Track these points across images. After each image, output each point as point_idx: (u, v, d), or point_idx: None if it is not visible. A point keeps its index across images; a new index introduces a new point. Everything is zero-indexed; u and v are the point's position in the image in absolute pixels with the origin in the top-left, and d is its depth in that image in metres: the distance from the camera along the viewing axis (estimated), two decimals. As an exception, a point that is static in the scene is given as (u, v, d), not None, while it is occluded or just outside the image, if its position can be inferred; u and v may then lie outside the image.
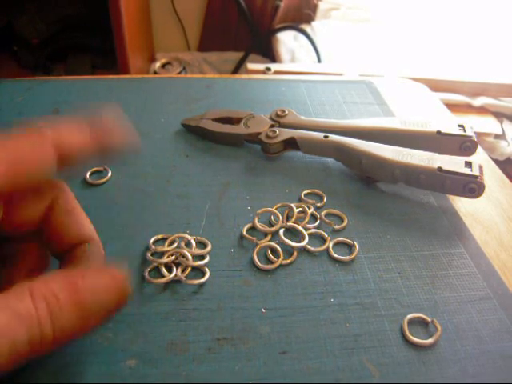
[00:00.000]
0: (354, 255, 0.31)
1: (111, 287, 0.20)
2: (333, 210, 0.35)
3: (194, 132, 0.42)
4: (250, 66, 1.09)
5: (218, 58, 1.57)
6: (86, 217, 0.24)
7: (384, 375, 0.25)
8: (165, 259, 0.29)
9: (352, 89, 0.52)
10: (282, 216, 0.33)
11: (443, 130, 0.37)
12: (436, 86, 0.92)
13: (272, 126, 0.40)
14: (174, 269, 0.29)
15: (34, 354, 0.18)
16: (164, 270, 0.29)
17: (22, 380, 0.23)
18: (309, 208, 0.34)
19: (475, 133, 0.38)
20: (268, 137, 0.38)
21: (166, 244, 0.31)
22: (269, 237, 0.32)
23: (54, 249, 0.24)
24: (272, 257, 0.31)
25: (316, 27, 1.39)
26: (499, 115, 1.09)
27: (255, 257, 0.30)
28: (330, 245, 0.32)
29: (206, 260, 0.30)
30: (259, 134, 0.39)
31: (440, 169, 0.33)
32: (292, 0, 1.44)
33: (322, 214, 0.34)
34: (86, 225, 0.24)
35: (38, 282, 0.19)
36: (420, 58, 1.23)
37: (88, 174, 0.36)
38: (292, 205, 0.34)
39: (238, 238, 0.32)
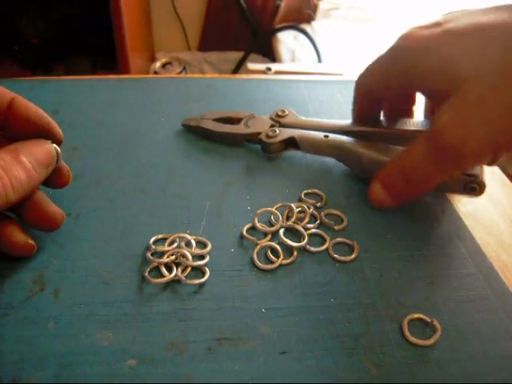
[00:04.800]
0: (353, 255, 0.31)
1: (42, 150, 0.28)
2: (333, 210, 0.35)
3: (195, 132, 0.42)
4: (250, 65, 1.09)
5: (218, 57, 1.57)
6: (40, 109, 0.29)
7: (384, 375, 0.25)
8: (165, 259, 0.29)
9: (352, 89, 0.52)
10: (282, 216, 0.33)
11: None
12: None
13: (272, 126, 0.40)
14: (174, 269, 0.29)
15: (2, 201, 0.24)
16: (164, 270, 0.29)
17: (22, 380, 0.23)
18: (309, 208, 0.34)
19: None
20: (268, 136, 0.38)
21: (166, 244, 0.31)
22: (269, 237, 0.32)
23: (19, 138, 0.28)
24: (272, 257, 0.31)
25: (316, 27, 1.39)
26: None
27: (255, 257, 0.30)
28: (330, 245, 0.32)
29: (206, 260, 0.30)
30: (259, 133, 0.39)
31: None
32: (292, 0, 1.44)
33: (322, 214, 0.34)
34: (43, 114, 0.29)
35: None
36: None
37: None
38: (292, 205, 0.34)
39: (238, 238, 0.32)
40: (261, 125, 0.40)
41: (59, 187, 0.31)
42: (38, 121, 0.29)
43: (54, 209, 0.30)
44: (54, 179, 0.30)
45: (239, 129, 0.41)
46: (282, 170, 0.39)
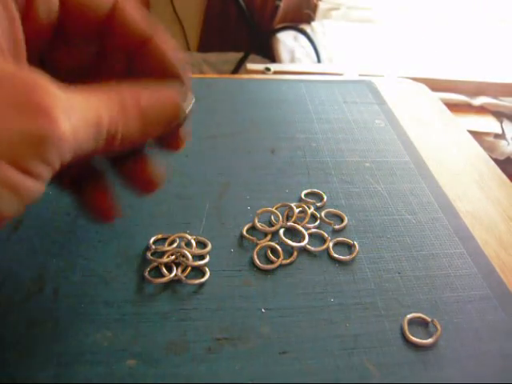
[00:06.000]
0: (353, 255, 0.31)
1: (170, 106, 0.23)
2: (333, 210, 0.35)
3: None
4: (250, 66, 1.09)
5: (217, 58, 1.57)
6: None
7: (384, 375, 0.25)
8: (165, 259, 0.29)
9: (352, 89, 0.52)
10: (282, 216, 0.33)
11: None
12: (436, 85, 0.92)
13: None
14: (174, 268, 0.29)
15: (108, 146, 0.19)
16: (164, 270, 0.29)
17: (22, 380, 0.23)
18: (309, 208, 0.34)
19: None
20: None
21: (166, 244, 0.31)
22: (269, 237, 0.32)
23: (122, 45, 0.23)
24: (272, 257, 0.31)
25: (316, 27, 1.39)
26: (499, 115, 1.09)
27: (255, 257, 0.30)
28: (330, 245, 0.32)
29: (206, 260, 0.30)
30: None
31: None
32: (292, 0, 1.44)
33: (322, 213, 0.34)
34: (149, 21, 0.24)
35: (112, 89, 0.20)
36: (420, 57, 1.23)
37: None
38: (292, 205, 0.34)
39: (238, 237, 0.32)
40: None
41: (171, 151, 0.26)
42: (171, 67, 0.24)
43: (156, 171, 0.25)
44: (166, 139, 0.25)
45: None
46: (282, 169, 0.39)
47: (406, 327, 0.27)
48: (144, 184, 0.25)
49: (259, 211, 0.33)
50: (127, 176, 0.25)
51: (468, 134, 0.49)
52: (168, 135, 0.24)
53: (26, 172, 0.16)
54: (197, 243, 0.31)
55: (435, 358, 0.26)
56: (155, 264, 0.29)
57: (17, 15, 0.18)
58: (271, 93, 0.50)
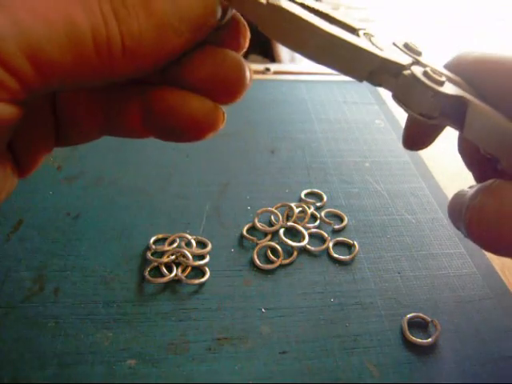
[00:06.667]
0: (353, 255, 0.31)
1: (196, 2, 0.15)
2: (333, 210, 0.35)
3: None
4: (250, 66, 1.09)
5: (217, 57, 1.57)
6: None
7: (384, 375, 0.25)
8: (165, 259, 0.29)
9: (352, 89, 0.52)
10: (282, 216, 0.33)
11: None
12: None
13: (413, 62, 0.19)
14: (174, 268, 0.29)
15: (103, 62, 0.14)
16: (164, 270, 0.29)
17: (22, 380, 0.23)
18: (309, 208, 0.34)
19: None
20: (429, 78, 0.17)
21: (166, 244, 0.31)
22: (269, 237, 0.32)
23: None
24: (272, 257, 0.31)
25: (316, 27, 1.39)
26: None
27: (255, 257, 0.30)
28: (330, 245, 0.32)
29: (206, 260, 0.30)
30: (402, 67, 0.18)
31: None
32: (292, 0, 1.44)
33: (322, 213, 0.34)
34: None
35: None
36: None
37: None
38: (292, 205, 0.34)
39: (238, 237, 0.32)
40: (392, 52, 0.19)
41: (234, 49, 0.19)
42: None
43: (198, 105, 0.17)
44: (221, 36, 0.18)
45: (364, 43, 0.17)
46: (282, 169, 0.39)
47: (405, 327, 0.27)
48: (183, 127, 0.17)
49: (259, 211, 0.33)
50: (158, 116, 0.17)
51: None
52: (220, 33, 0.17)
53: None
54: (197, 243, 0.31)
55: (435, 357, 0.26)
56: (155, 264, 0.29)
57: None
58: (271, 93, 0.50)
